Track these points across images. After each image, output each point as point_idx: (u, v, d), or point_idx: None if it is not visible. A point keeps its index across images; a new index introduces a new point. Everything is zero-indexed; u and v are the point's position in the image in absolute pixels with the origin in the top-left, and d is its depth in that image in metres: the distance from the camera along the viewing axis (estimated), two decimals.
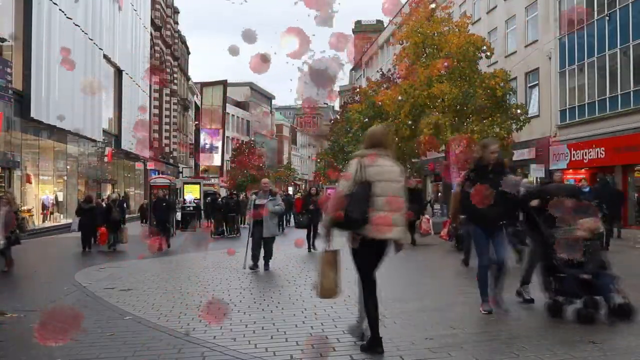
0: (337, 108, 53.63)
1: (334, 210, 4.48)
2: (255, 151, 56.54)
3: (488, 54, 21.45)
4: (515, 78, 25.48)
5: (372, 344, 4.58)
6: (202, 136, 52.39)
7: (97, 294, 8.03)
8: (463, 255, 10.47)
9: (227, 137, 59.09)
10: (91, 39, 25.19)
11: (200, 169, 51.57)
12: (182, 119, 49.84)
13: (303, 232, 14.35)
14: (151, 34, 37.52)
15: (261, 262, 10.21)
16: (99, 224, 15.24)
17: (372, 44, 52.50)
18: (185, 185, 27.66)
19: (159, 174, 33.57)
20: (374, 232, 4.45)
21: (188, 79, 53.99)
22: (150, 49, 37.50)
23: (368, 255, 4.59)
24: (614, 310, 5.51)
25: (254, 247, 10.19)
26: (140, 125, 18.66)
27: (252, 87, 74.15)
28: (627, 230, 16.79)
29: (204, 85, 54.66)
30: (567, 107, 23.60)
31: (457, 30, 21.10)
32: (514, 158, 24.22)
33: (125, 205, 19.21)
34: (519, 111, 20.89)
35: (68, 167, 25.22)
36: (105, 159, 28.94)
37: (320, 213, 12.71)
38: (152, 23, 38.06)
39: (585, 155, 21.88)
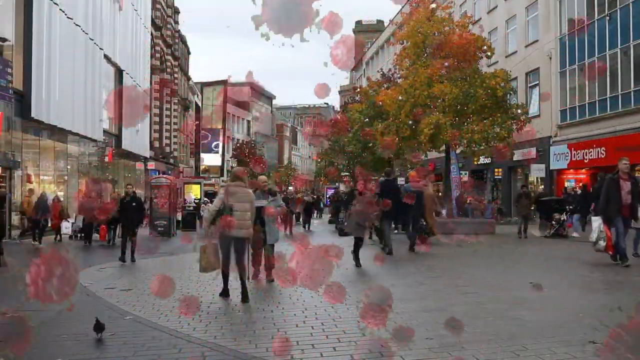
0: (337, 108, 53.54)
1: (207, 222, 7.33)
2: (255, 151, 56.54)
3: (488, 54, 21.44)
4: (515, 78, 25.47)
5: (223, 292, 7.37)
6: (202, 136, 52.43)
7: (97, 294, 8.04)
8: (385, 247, 12.13)
9: (228, 137, 59.07)
10: (92, 39, 25.17)
11: (201, 169, 51.60)
12: (182, 119, 49.80)
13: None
14: (152, 34, 37.50)
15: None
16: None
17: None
18: (185, 185, 27.67)
19: (159, 174, 33.54)
20: (231, 231, 6.96)
21: (188, 79, 53.94)
22: (151, 48, 37.47)
23: (226, 243, 7.16)
24: None
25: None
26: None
27: (253, 87, 74.00)
28: None
29: (204, 85, 54.71)
30: (568, 106, 23.59)
31: (457, 30, 21.08)
32: (515, 158, 24.24)
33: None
34: (519, 111, 20.87)
35: (68, 167, 25.18)
36: (106, 159, 28.91)
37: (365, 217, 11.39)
38: (153, 23, 38.04)
39: (586, 155, 21.86)
